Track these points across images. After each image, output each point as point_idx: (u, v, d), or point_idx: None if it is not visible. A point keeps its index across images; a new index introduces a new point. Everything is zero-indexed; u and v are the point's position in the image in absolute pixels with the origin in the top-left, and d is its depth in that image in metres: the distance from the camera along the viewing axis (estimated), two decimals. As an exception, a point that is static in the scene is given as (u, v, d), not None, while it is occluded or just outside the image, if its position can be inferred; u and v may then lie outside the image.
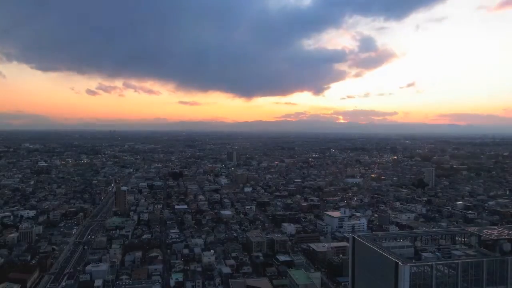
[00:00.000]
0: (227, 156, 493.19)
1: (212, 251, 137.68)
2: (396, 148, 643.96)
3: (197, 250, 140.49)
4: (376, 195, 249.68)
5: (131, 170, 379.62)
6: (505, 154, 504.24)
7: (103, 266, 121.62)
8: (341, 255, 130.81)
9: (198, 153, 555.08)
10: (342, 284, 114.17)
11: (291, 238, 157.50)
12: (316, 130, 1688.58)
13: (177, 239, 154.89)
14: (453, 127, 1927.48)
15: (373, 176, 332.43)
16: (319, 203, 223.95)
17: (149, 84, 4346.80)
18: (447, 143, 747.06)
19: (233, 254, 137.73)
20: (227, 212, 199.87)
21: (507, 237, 61.86)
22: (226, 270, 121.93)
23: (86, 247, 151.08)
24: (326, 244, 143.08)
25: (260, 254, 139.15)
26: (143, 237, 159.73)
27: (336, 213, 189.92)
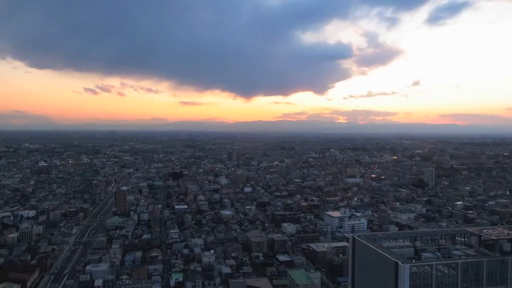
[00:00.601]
0: (227, 156, 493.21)
1: (212, 251, 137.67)
2: (396, 148, 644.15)
3: (197, 250, 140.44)
4: (376, 195, 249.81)
5: (131, 170, 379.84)
6: (505, 154, 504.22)
7: (103, 266, 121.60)
8: (341, 255, 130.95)
9: (198, 153, 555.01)
10: (342, 284, 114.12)
11: (291, 238, 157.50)
12: (316, 130, 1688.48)
13: (177, 239, 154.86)
14: (453, 127, 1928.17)
15: (373, 176, 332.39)
16: (319, 203, 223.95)
17: (147, 83, 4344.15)
18: (447, 143, 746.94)
19: (233, 254, 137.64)
20: (227, 212, 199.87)
21: (507, 237, 61.86)
22: (226, 270, 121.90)
23: (86, 247, 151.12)
24: (326, 244, 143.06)
25: (260, 254, 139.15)
26: (143, 237, 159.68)
27: (336, 213, 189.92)
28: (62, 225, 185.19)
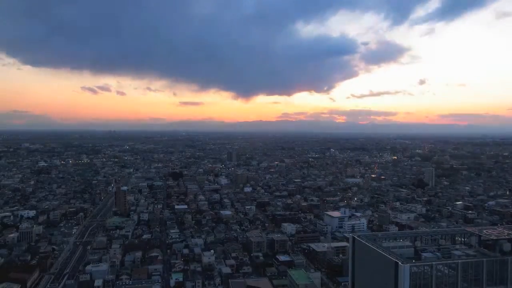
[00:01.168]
0: (227, 156, 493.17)
1: (212, 251, 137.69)
2: (396, 148, 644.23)
3: (197, 250, 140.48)
4: (376, 195, 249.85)
5: (131, 170, 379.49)
6: (505, 154, 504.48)
7: (103, 266, 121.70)
8: (341, 255, 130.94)
9: (198, 153, 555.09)
10: (342, 284, 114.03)
11: (291, 238, 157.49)
12: (316, 130, 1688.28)
13: (177, 239, 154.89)
14: (453, 127, 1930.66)
15: (373, 176, 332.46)
16: (319, 203, 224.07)
17: (145, 82, 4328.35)
18: (447, 143, 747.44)
19: (233, 254, 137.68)
20: (227, 212, 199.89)
21: (507, 237, 61.92)
22: (226, 270, 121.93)
23: (86, 247, 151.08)
24: (326, 244, 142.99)
25: (260, 254, 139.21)
26: (143, 237, 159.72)
27: (336, 213, 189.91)
28: (62, 225, 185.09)
